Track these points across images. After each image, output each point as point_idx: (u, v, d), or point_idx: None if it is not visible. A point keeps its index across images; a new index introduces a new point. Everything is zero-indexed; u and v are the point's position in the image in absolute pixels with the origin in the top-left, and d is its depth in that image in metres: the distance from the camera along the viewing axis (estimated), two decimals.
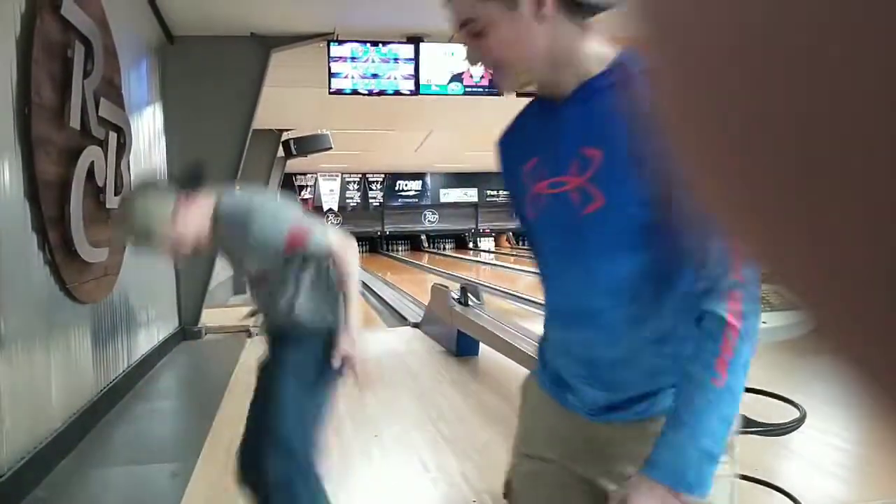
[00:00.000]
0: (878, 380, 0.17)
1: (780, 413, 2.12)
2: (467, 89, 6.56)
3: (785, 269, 0.19)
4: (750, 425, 2.13)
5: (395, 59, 6.39)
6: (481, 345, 4.94)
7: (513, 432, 1.22)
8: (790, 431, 2.08)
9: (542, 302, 1.14)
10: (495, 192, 23.79)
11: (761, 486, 2.25)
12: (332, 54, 6.25)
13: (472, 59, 1.04)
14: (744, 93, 0.17)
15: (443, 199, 23.37)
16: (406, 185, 23.02)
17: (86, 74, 3.59)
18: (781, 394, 2.19)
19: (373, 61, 6.35)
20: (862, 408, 0.17)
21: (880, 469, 2.69)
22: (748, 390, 2.19)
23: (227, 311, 7.85)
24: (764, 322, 1.93)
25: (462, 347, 5.22)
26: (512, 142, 1.15)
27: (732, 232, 0.20)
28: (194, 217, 1.88)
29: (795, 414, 2.07)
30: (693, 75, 0.19)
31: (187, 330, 6.27)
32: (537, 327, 1.18)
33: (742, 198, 0.19)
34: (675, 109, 0.20)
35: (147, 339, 5.10)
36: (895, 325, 0.16)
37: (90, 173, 3.64)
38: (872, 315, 0.16)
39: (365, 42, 6.29)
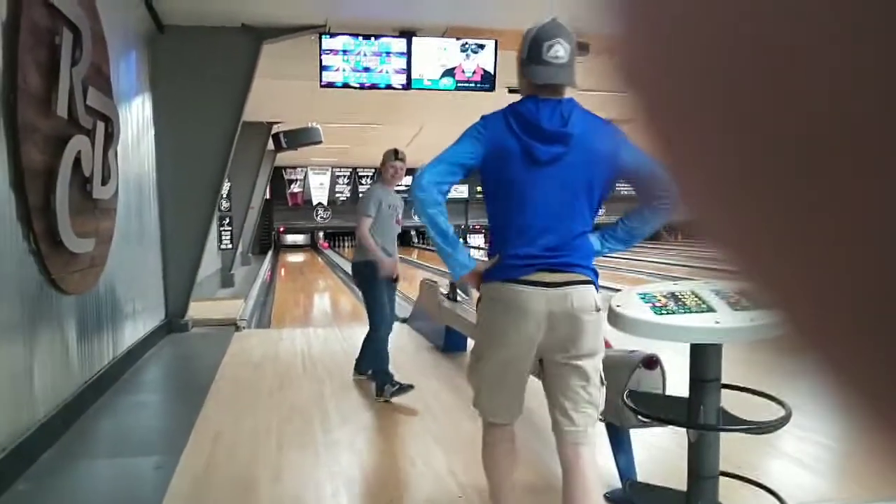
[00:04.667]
0: (850, 382, 0.17)
1: (765, 411, 2.13)
2: (459, 84, 6.54)
3: (759, 269, 0.18)
4: (735, 423, 2.14)
5: (387, 53, 6.36)
6: (469, 340, 4.94)
7: None
8: (775, 430, 2.09)
9: None
10: None
11: (747, 484, 2.27)
12: (323, 47, 6.21)
13: None
14: (724, 93, 0.17)
15: None
16: None
17: (74, 62, 3.54)
18: (766, 392, 2.20)
19: (364, 55, 6.31)
20: (835, 407, 0.17)
21: (865, 467, 2.72)
22: (734, 387, 2.21)
23: (214, 305, 7.81)
24: (751, 320, 1.94)
25: (450, 343, 5.22)
26: None
27: (708, 231, 0.19)
28: None
29: (781, 412, 2.08)
30: (672, 73, 0.18)
31: (174, 322, 6.23)
32: None
33: (719, 198, 0.19)
34: (650, 105, 0.19)
35: (133, 332, 5.06)
36: (870, 327, 0.16)
37: (77, 163, 3.60)
38: (847, 318, 0.16)
39: (357, 35, 6.26)
